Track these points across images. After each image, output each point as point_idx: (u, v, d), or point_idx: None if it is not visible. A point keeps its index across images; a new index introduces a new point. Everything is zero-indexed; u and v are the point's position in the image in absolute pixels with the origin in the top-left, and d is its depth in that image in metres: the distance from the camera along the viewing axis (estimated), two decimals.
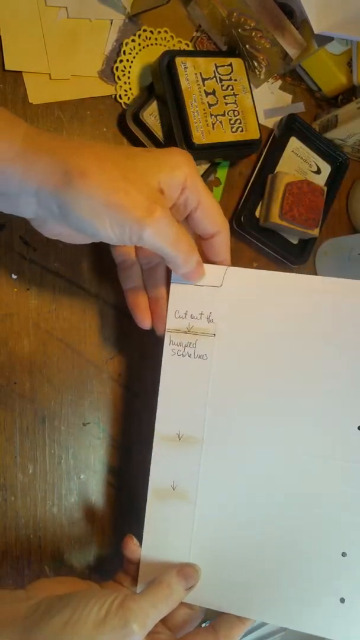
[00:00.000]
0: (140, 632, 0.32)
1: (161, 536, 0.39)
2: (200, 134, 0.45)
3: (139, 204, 0.33)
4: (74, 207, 0.32)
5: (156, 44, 0.49)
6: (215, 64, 0.47)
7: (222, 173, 0.52)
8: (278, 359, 0.39)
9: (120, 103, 0.47)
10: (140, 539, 0.39)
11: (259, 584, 0.38)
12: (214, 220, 0.38)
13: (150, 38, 0.48)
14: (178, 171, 0.35)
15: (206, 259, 0.40)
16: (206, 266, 0.39)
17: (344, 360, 0.38)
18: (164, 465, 0.39)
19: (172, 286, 0.40)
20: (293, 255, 0.53)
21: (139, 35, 0.48)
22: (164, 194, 0.35)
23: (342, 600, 0.37)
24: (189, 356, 0.40)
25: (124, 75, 0.47)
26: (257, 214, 0.51)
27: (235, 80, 0.48)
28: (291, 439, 0.38)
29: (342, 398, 0.38)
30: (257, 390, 0.39)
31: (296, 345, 0.39)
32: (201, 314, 0.40)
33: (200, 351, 0.39)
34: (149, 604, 0.34)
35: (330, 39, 0.50)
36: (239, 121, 0.47)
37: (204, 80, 0.46)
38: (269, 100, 0.55)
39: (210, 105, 0.46)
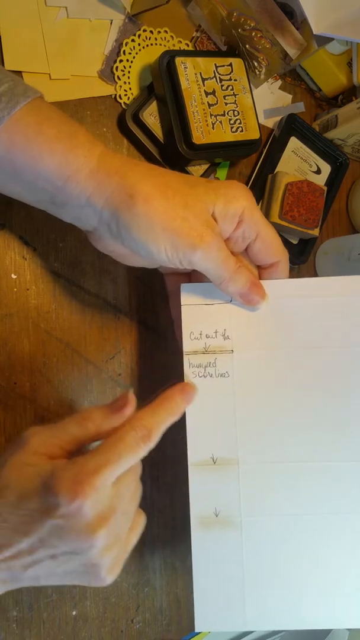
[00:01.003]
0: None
1: (211, 565, 0.38)
2: (200, 134, 0.45)
3: (194, 230, 0.35)
4: (133, 228, 0.35)
5: (156, 44, 0.49)
6: (215, 64, 0.47)
7: (222, 173, 0.52)
8: (300, 366, 0.39)
9: (120, 103, 0.47)
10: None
11: (320, 592, 0.38)
12: (272, 251, 0.39)
13: (150, 38, 0.48)
14: (235, 203, 0.37)
15: None
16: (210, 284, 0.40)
17: None
18: (203, 493, 0.38)
19: (183, 308, 0.40)
20: (293, 256, 0.53)
21: (139, 35, 0.48)
22: (217, 222, 0.37)
23: None
24: (211, 376, 0.39)
25: (124, 75, 0.47)
26: None
27: (235, 80, 0.48)
28: (326, 445, 0.38)
29: None
30: (284, 400, 0.39)
31: (316, 349, 0.39)
32: (216, 331, 0.40)
33: (221, 369, 0.39)
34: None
35: (330, 38, 0.50)
36: (239, 121, 0.47)
37: (203, 80, 0.46)
38: (269, 100, 0.55)
39: (210, 105, 0.46)
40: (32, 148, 0.33)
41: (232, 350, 0.39)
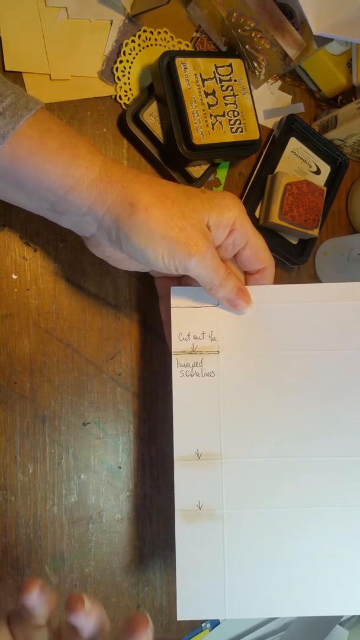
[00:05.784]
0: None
1: (194, 557, 0.39)
2: (200, 135, 0.45)
3: (191, 239, 0.37)
4: (133, 235, 0.36)
5: (156, 44, 0.49)
6: (215, 65, 0.47)
7: (222, 173, 0.52)
8: (283, 367, 0.41)
9: (120, 103, 0.47)
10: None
11: (296, 583, 0.39)
12: (260, 258, 0.41)
13: (150, 38, 0.48)
14: (228, 212, 0.38)
15: None
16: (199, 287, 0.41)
17: (351, 361, 0.40)
18: (187, 486, 0.40)
19: (173, 310, 0.41)
20: (293, 256, 0.53)
21: (139, 36, 0.48)
22: (211, 230, 0.38)
23: None
24: (197, 375, 0.41)
25: (124, 75, 0.47)
26: (256, 214, 0.51)
27: (235, 80, 0.48)
28: (307, 442, 0.40)
29: (355, 398, 0.40)
30: (267, 399, 0.40)
31: (298, 352, 0.41)
32: (203, 333, 0.41)
33: (207, 369, 0.41)
34: None
35: (330, 39, 0.50)
36: (238, 122, 0.48)
37: (203, 80, 0.46)
38: (268, 101, 0.55)
39: (210, 106, 0.46)
40: (35, 160, 0.34)
41: (218, 351, 0.41)
